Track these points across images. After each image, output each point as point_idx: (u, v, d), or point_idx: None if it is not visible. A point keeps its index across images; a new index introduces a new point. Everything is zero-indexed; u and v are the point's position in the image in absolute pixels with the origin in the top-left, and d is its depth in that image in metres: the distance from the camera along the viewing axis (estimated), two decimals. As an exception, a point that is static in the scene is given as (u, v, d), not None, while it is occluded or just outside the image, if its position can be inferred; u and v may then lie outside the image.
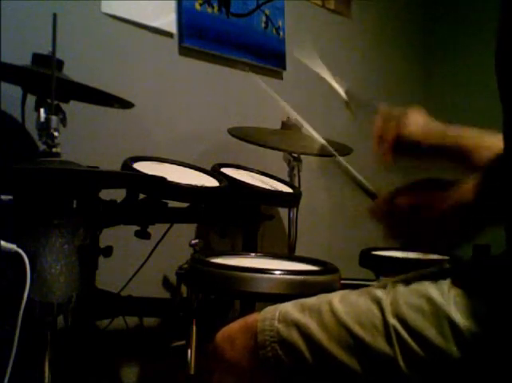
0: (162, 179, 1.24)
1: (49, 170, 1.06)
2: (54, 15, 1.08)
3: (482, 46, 2.85)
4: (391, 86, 2.92)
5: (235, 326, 0.83)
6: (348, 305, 0.77)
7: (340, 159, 0.99)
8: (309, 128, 1.06)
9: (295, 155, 1.89)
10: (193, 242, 1.37)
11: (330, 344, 0.74)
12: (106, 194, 1.38)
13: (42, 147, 1.11)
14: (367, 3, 2.79)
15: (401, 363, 0.70)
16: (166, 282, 1.85)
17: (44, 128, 1.10)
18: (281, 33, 2.31)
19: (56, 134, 1.10)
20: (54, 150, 1.09)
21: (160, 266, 1.78)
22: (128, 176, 1.34)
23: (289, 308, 0.80)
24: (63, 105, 1.22)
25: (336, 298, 0.79)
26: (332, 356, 0.73)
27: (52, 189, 1.11)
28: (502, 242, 0.74)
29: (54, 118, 1.10)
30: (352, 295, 0.79)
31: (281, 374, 0.77)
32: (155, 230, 1.46)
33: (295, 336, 0.76)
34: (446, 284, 0.74)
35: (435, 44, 3.14)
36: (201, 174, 1.62)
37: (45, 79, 1.12)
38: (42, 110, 1.11)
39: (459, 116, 3.10)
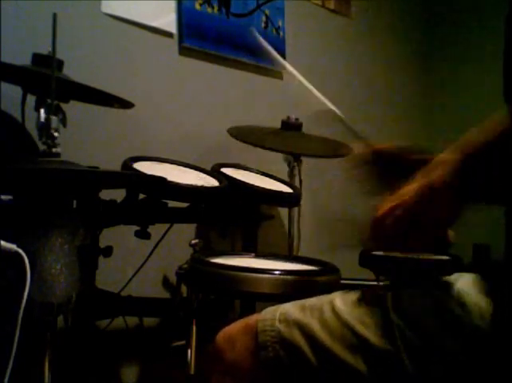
0: (162, 179, 1.24)
1: (48, 170, 1.06)
2: (54, 15, 1.08)
3: (482, 46, 2.85)
4: (392, 86, 2.92)
5: (236, 327, 0.83)
6: (350, 304, 0.77)
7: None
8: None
9: (295, 155, 1.89)
10: (193, 242, 1.37)
11: (333, 344, 0.73)
12: (106, 194, 1.38)
13: (42, 147, 1.11)
14: (367, 3, 2.79)
15: (405, 361, 0.70)
16: (166, 282, 1.85)
17: (44, 128, 1.10)
18: (281, 33, 2.31)
19: (56, 134, 1.10)
20: (54, 150, 1.09)
21: (160, 266, 1.78)
22: (127, 176, 1.34)
23: (290, 308, 0.80)
24: (63, 105, 1.22)
25: (337, 298, 0.79)
26: (335, 356, 0.73)
27: (52, 189, 1.11)
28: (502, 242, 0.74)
29: (54, 118, 1.10)
30: (354, 294, 0.79)
31: (283, 375, 0.76)
32: (155, 230, 1.46)
33: (297, 336, 0.76)
34: (449, 281, 0.74)
35: (435, 43, 3.14)
36: (201, 174, 1.62)
37: (45, 79, 1.12)
38: (42, 110, 1.10)
39: (459, 116, 3.10)
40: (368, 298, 0.78)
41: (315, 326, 0.76)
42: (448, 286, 0.74)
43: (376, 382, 0.72)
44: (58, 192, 1.13)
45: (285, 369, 0.76)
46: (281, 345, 0.76)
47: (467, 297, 0.71)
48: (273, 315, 0.79)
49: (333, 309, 0.77)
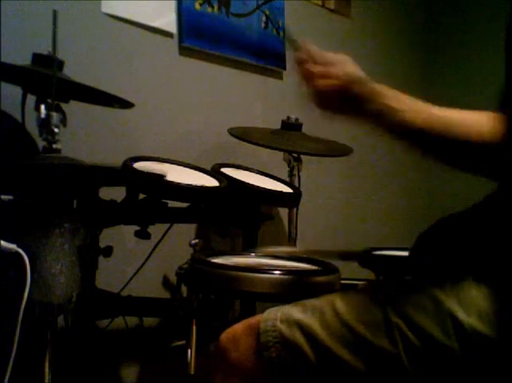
0: (162, 176, 1.24)
1: (49, 165, 1.06)
2: (55, 12, 1.09)
3: (483, 45, 2.85)
4: (391, 86, 2.92)
5: (239, 327, 0.84)
6: (350, 304, 0.77)
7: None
8: None
9: (295, 155, 1.89)
10: (193, 242, 1.37)
11: (333, 343, 0.74)
12: (106, 194, 1.38)
13: (43, 143, 1.11)
14: (367, 3, 2.79)
15: (404, 361, 0.70)
16: (166, 282, 1.85)
17: (44, 124, 1.10)
18: (281, 33, 2.31)
19: (56, 130, 1.10)
20: (55, 146, 1.09)
21: (160, 266, 1.78)
22: (128, 173, 1.34)
23: (291, 309, 0.81)
24: (63, 105, 1.22)
25: (338, 298, 0.79)
26: (335, 355, 0.73)
27: (52, 185, 1.11)
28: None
29: (55, 114, 1.10)
30: (354, 294, 0.80)
31: (285, 375, 0.77)
32: (155, 230, 1.46)
33: (298, 336, 0.76)
34: (449, 281, 0.74)
35: (435, 43, 3.14)
36: (201, 174, 1.62)
37: (45, 79, 1.12)
38: (43, 106, 1.10)
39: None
40: (368, 298, 0.78)
41: (316, 326, 0.76)
42: (448, 286, 0.74)
43: (376, 382, 0.73)
44: (59, 188, 1.13)
45: (287, 369, 0.76)
46: (282, 346, 0.77)
47: (467, 298, 0.71)
48: (275, 316, 0.80)
49: (334, 310, 0.77)
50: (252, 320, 0.83)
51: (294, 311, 0.80)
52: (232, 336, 0.83)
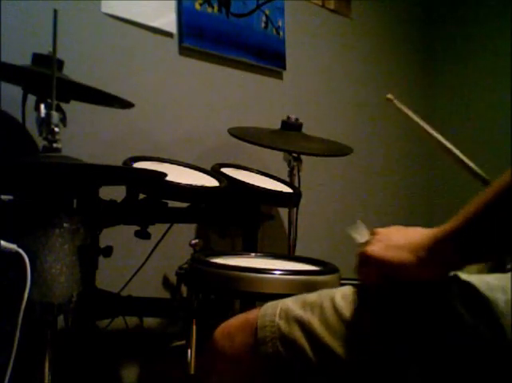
0: (162, 175, 1.23)
1: (49, 165, 1.06)
2: (55, 11, 1.08)
3: (483, 46, 2.85)
4: (391, 86, 2.92)
5: (234, 322, 0.83)
6: (349, 299, 0.77)
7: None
8: None
9: (295, 155, 1.89)
10: (193, 242, 1.37)
11: (332, 341, 0.73)
12: (106, 194, 1.38)
13: (43, 143, 1.10)
14: (367, 3, 2.79)
15: (405, 358, 0.70)
16: (166, 282, 1.85)
17: (44, 123, 1.10)
18: (281, 33, 2.31)
19: (56, 129, 1.09)
20: (55, 145, 1.09)
21: (160, 266, 1.78)
22: (128, 172, 1.33)
23: (291, 304, 0.80)
24: (63, 105, 1.22)
25: (338, 294, 0.79)
26: (334, 353, 0.73)
27: (52, 185, 1.11)
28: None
29: (55, 113, 1.10)
30: (355, 289, 0.79)
31: (282, 371, 0.76)
32: (155, 230, 1.46)
33: (297, 332, 0.76)
34: (452, 278, 0.74)
35: (435, 44, 3.15)
36: (201, 174, 1.62)
37: (46, 79, 1.12)
38: (43, 106, 1.10)
39: (459, 116, 3.10)
40: (367, 293, 0.77)
41: (315, 323, 0.75)
42: (451, 283, 0.73)
43: (374, 380, 0.72)
44: (58, 188, 1.12)
45: (284, 365, 0.76)
46: (280, 342, 0.76)
47: (469, 295, 0.71)
48: (274, 311, 0.79)
49: (333, 306, 0.76)
50: (249, 315, 0.82)
51: (294, 307, 0.79)
52: (227, 332, 0.82)
